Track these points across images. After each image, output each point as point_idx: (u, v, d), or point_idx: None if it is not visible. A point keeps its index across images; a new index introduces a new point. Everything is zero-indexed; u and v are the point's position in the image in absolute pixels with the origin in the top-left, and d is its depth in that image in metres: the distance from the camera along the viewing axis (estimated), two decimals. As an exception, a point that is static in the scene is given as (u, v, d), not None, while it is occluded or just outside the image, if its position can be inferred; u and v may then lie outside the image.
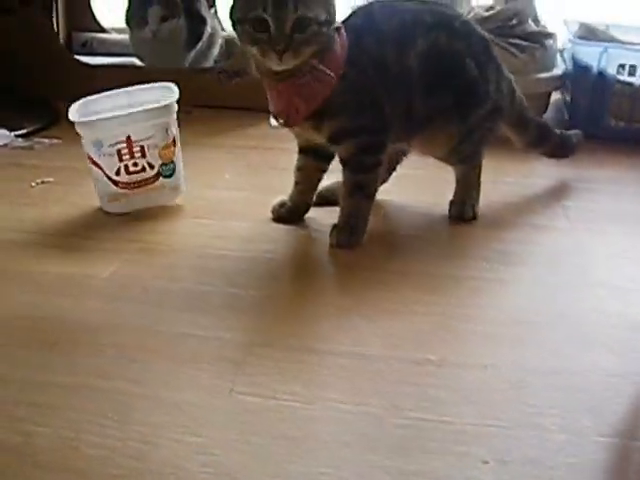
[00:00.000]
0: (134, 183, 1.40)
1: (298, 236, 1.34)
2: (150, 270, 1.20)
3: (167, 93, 1.41)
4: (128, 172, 1.39)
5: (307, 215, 1.38)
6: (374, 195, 1.31)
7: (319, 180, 1.38)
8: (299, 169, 1.36)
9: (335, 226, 1.29)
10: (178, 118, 1.39)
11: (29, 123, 1.90)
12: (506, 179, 1.60)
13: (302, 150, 1.35)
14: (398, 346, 1.00)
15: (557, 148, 1.59)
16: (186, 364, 0.95)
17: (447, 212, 1.42)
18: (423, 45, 1.27)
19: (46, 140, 1.81)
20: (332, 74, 1.19)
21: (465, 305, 1.12)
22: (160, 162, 1.39)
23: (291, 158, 1.36)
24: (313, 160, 1.35)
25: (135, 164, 1.39)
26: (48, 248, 1.28)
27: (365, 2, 1.42)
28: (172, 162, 1.39)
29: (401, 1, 1.34)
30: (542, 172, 1.65)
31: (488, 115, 1.35)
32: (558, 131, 1.58)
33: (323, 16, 1.14)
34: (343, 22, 1.25)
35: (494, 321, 1.08)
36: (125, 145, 1.36)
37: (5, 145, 1.81)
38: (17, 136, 1.86)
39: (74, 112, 1.38)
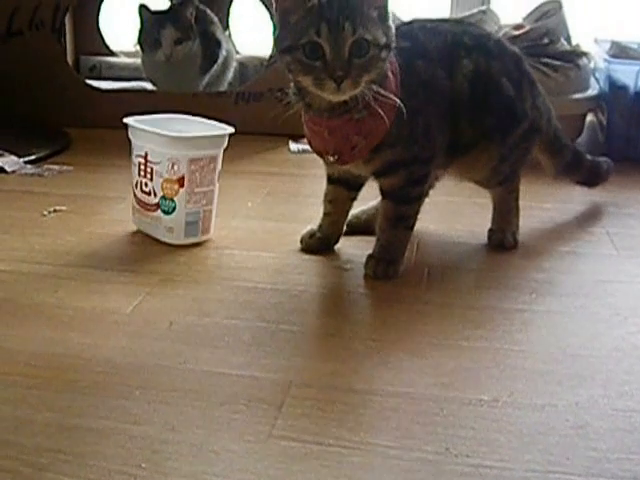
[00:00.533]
0: (142, 202, 1.37)
1: (330, 267, 1.30)
2: (175, 304, 1.15)
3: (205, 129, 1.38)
4: (141, 189, 1.37)
5: (337, 245, 1.34)
6: (414, 226, 1.27)
7: (350, 209, 1.34)
8: (330, 201, 1.32)
9: (371, 256, 1.25)
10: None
11: (38, 149, 1.88)
12: (544, 205, 1.57)
13: (332, 180, 1.31)
14: (447, 385, 0.95)
15: (589, 176, 1.55)
16: (221, 406, 0.90)
17: (483, 240, 1.38)
18: (468, 67, 1.25)
19: (56, 167, 1.78)
20: (395, 101, 1.12)
21: (515, 340, 1.07)
22: (161, 194, 1.34)
23: (313, 184, 1.32)
24: (345, 190, 1.31)
25: (146, 184, 1.36)
26: (64, 280, 1.23)
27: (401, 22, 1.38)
28: (172, 200, 1.33)
29: (436, 22, 1.31)
30: (579, 197, 1.62)
31: (526, 134, 1.33)
32: (589, 158, 1.54)
33: (383, 39, 1.08)
34: None
35: (547, 357, 1.03)
36: (143, 161, 1.34)
37: (14, 172, 1.78)
38: (26, 162, 1.82)
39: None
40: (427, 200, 1.42)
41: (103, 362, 1.00)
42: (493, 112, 1.28)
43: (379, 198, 1.27)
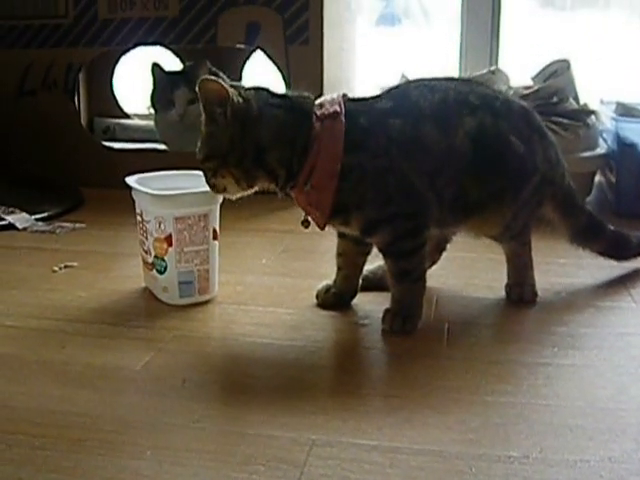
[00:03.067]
0: (143, 261, 1.32)
1: (347, 322, 1.23)
2: (188, 360, 1.08)
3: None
4: (142, 247, 1.31)
5: (353, 301, 1.27)
6: (423, 277, 1.19)
7: (363, 263, 1.27)
8: (340, 254, 1.26)
9: (388, 311, 1.18)
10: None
11: (50, 206, 1.83)
12: (559, 260, 1.50)
13: (340, 234, 1.25)
14: (475, 441, 0.87)
15: (612, 246, 1.41)
16: (238, 467, 0.82)
17: (501, 295, 1.32)
18: (471, 125, 1.18)
19: (69, 224, 1.72)
20: (333, 170, 1.11)
21: (540, 394, 0.99)
22: (154, 253, 1.27)
23: (329, 242, 1.26)
24: (354, 245, 1.24)
25: (144, 242, 1.30)
26: (73, 336, 1.16)
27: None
28: (163, 260, 1.25)
29: (442, 80, 1.25)
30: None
31: (537, 187, 1.25)
32: (612, 227, 1.41)
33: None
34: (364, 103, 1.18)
35: (575, 411, 0.95)
36: (140, 219, 1.29)
37: (25, 229, 1.73)
38: (38, 220, 1.77)
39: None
40: (444, 255, 1.36)
41: (112, 420, 0.92)
42: (503, 174, 1.21)
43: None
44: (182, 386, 1.00)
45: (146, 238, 1.28)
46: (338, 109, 1.13)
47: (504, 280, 1.34)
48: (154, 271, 1.28)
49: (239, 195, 1.17)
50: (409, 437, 0.88)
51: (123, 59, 2.36)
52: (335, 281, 1.27)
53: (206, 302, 1.28)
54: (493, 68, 2.00)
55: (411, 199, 1.15)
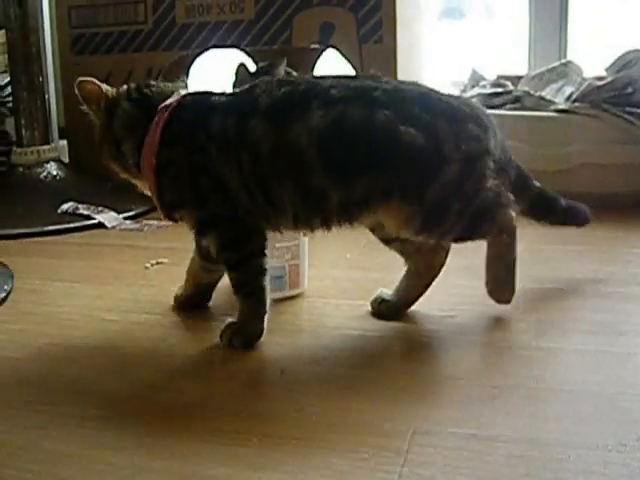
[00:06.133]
0: None
1: (435, 314, 1.22)
2: (284, 352, 1.10)
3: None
4: None
5: (437, 291, 1.28)
6: (257, 294, 1.11)
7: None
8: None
9: (228, 326, 1.13)
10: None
11: (137, 205, 1.86)
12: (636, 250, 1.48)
13: None
14: (570, 430, 0.87)
15: (567, 217, 1.31)
16: (343, 455, 0.83)
17: (584, 286, 1.32)
18: (320, 120, 1.05)
19: (155, 222, 1.76)
20: (151, 162, 1.10)
21: (632, 383, 0.98)
22: None
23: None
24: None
25: None
26: (172, 329, 1.20)
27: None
28: None
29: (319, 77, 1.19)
30: None
31: (460, 177, 1.08)
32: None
33: None
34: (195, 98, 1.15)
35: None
36: None
37: (114, 227, 1.77)
38: (125, 218, 1.81)
39: None
40: (524, 247, 1.35)
41: (216, 409, 0.95)
42: (385, 169, 1.07)
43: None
44: (280, 377, 1.02)
45: None
46: (174, 102, 1.12)
47: (588, 271, 1.33)
48: None
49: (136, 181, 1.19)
50: (506, 426, 0.88)
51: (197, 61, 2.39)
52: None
53: (296, 296, 1.30)
54: (565, 61, 1.98)
55: (227, 203, 1.09)
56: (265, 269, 1.11)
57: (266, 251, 1.11)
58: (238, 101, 1.12)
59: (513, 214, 1.16)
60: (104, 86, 1.15)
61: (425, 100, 1.09)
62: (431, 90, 1.12)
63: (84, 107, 1.16)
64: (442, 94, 1.13)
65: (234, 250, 1.11)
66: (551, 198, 1.28)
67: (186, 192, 1.11)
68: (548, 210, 1.28)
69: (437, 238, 1.13)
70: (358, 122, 1.06)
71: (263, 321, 1.11)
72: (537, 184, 1.26)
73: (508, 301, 1.18)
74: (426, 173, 1.07)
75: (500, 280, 1.18)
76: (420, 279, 1.20)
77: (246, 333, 1.11)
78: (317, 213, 1.10)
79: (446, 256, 1.19)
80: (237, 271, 1.12)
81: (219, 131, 1.09)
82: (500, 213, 1.14)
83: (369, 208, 1.09)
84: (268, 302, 1.12)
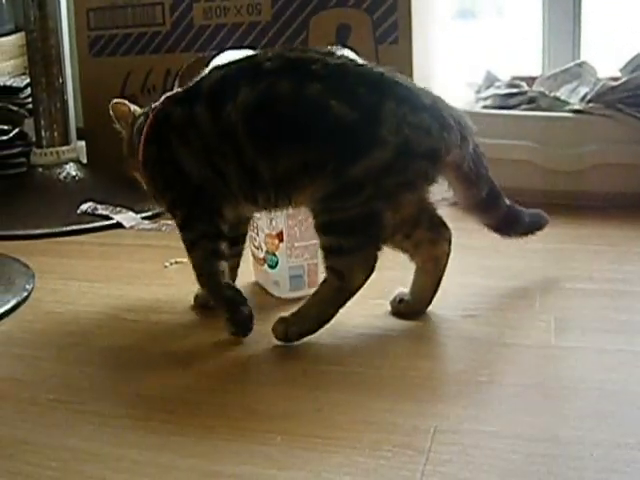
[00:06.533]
0: (254, 256, 1.36)
1: (452, 314, 1.22)
2: (303, 351, 1.10)
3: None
4: (252, 243, 1.35)
5: (456, 292, 1.28)
6: (212, 279, 1.16)
7: None
8: None
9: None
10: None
11: (154, 205, 1.86)
12: None
13: None
14: (591, 428, 0.87)
15: (504, 223, 1.24)
16: (366, 453, 0.83)
17: (603, 285, 1.30)
18: (249, 95, 1.06)
19: (172, 222, 1.76)
20: (141, 152, 1.19)
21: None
22: (265, 248, 1.30)
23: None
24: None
25: (255, 239, 1.33)
26: (193, 328, 1.21)
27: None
28: (275, 255, 1.28)
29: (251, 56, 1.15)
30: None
31: (392, 164, 1.03)
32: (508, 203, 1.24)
33: None
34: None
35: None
36: None
37: (132, 227, 1.78)
38: (143, 218, 1.82)
39: None
40: (539, 247, 1.35)
41: (240, 407, 0.95)
42: (310, 142, 1.05)
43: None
44: (303, 375, 1.03)
45: (257, 234, 1.31)
46: (158, 104, 1.19)
47: (606, 271, 1.32)
48: (265, 266, 1.31)
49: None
50: (527, 424, 0.89)
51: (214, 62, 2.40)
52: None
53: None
54: (579, 61, 1.98)
55: (186, 186, 1.15)
56: (221, 253, 1.15)
57: (223, 235, 1.16)
58: (191, 91, 1.16)
59: (364, 275, 1.11)
60: (133, 106, 1.25)
61: (378, 81, 1.05)
62: (396, 76, 1.07)
63: (117, 125, 1.26)
64: (409, 82, 1.08)
65: (184, 231, 1.19)
66: (516, 215, 1.25)
67: (160, 183, 1.20)
68: (511, 227, 1.26)
69: (327, 215, 1.07)
70: (283, 95, 1.05)
71: (236, 310, 1.13)
72: (507, 202, 1.22)
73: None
74: (353, 150, 1.03)
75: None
76: (427, 274, 1.19)
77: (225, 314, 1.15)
78: (259, 190, 1.11)
79: (449, 246, 1.17)
80: (190, 254, 1.18)
81: (176, 122, 1.15)
82: (368, 251, 1.10)
83: (296, 183, 1.08)
84: (235, 287, 1.17)
